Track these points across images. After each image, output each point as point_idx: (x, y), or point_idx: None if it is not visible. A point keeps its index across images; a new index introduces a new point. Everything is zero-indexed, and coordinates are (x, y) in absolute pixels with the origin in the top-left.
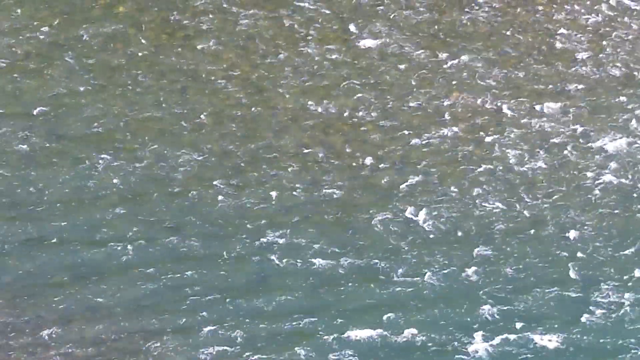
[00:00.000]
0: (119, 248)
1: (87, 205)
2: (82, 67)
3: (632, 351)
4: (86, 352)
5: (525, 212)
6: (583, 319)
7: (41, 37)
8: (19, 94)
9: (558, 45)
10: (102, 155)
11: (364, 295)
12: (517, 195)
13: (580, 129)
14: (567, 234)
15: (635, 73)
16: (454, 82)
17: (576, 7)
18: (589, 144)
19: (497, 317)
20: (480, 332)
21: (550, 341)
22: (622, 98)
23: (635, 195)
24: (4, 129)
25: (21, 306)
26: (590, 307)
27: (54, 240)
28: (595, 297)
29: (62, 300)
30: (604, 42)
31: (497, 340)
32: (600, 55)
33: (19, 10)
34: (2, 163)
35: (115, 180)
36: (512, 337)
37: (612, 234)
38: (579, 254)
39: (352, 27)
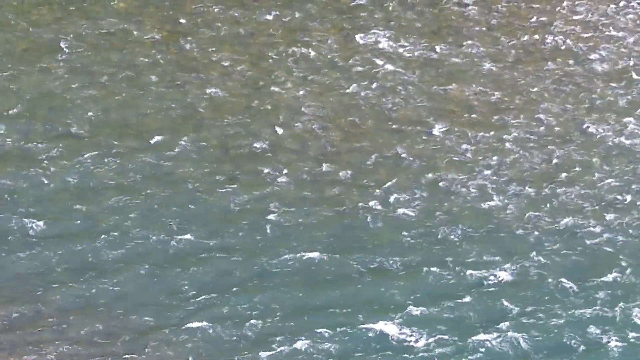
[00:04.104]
0: (118, 244)
1: (87, 201)
2: (82, 64)
3: None
4: (85, 348)
5: (526, 207)
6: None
7: (40, 33)
8: (18, 90)
9: (556, 40)
10: (102, 151)
11: (365, 292)
12: (517, 190)
13: (578, 124)
14: (568, 228)
15: (631, 68)
16: (452, 78)
17: (574, 3)
18: (588, 139)
19: (498, 314)
20: (482, 328)
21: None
22: (621, 94)
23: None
24: (2, 126)
25: (20, 302)
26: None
27: (53, 237)
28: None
29: (61, 296)
30: (601, 38)
31: (500, 336)
32: (598, 51)
33: (17, 5)
34: (1, 160)
35: (114, 177)
36: (515, 334)
37: (614, 223)
38: (581, 249)
39: (351, 24)
